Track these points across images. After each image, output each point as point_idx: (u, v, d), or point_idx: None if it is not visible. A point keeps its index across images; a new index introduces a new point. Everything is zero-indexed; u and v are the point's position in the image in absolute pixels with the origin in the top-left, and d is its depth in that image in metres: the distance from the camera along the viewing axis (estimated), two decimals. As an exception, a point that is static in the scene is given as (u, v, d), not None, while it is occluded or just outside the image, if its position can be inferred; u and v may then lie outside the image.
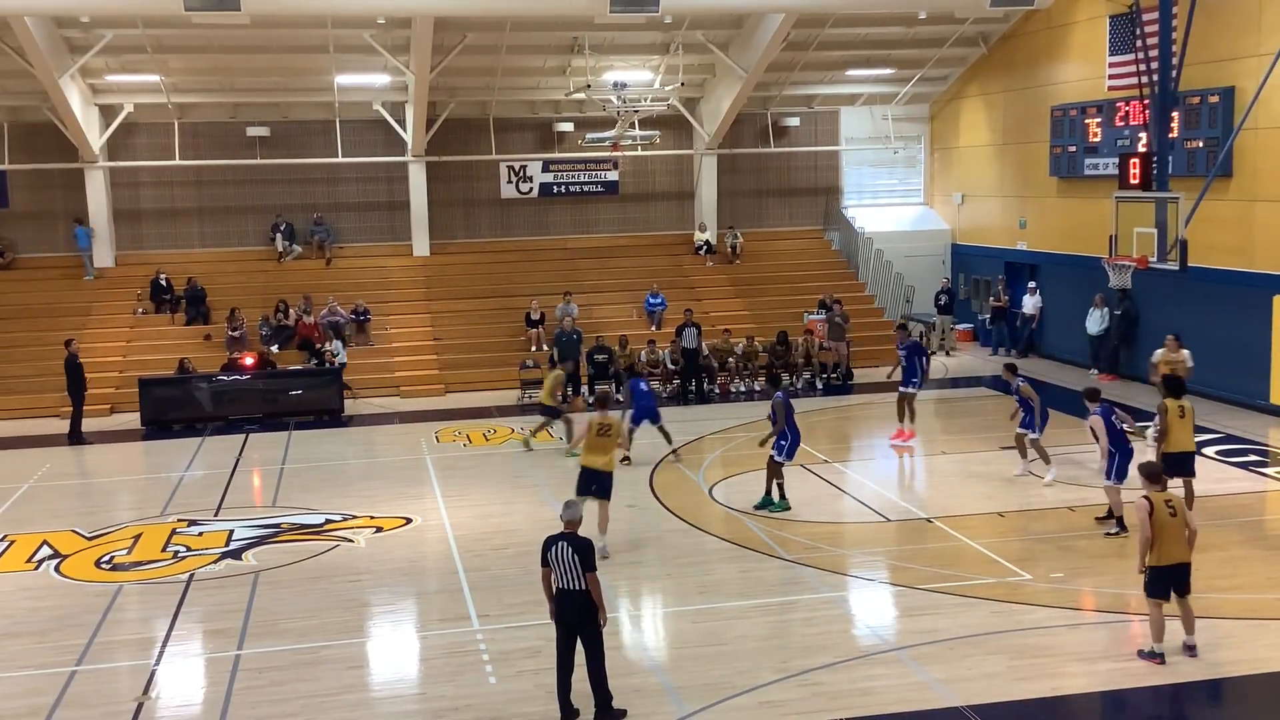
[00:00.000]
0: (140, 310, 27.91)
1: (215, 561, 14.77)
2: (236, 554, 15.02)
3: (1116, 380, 24.53)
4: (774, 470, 16.15)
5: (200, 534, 15.95)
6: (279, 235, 29.74)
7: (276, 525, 16.24)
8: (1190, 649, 10.95)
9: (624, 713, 10.06)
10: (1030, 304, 28.01)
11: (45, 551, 15.30)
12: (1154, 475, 11.25)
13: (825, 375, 25.96)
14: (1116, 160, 22.82)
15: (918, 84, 31.26)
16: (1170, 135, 21.49)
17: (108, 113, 28.65)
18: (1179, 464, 14.36)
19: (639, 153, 30.20)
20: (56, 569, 14.64)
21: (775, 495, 16.16)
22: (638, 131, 27.91)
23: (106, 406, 24.27)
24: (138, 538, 15.78)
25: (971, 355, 29.16)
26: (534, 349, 26.66)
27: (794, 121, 32.04)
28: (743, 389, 25.47)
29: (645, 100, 26.57)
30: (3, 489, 18.56)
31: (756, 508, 16.16)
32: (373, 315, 27.63)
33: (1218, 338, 21.59)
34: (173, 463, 20.41)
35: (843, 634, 11.93)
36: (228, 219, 30.14)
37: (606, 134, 27.78)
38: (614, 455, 14.50)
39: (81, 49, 25.61)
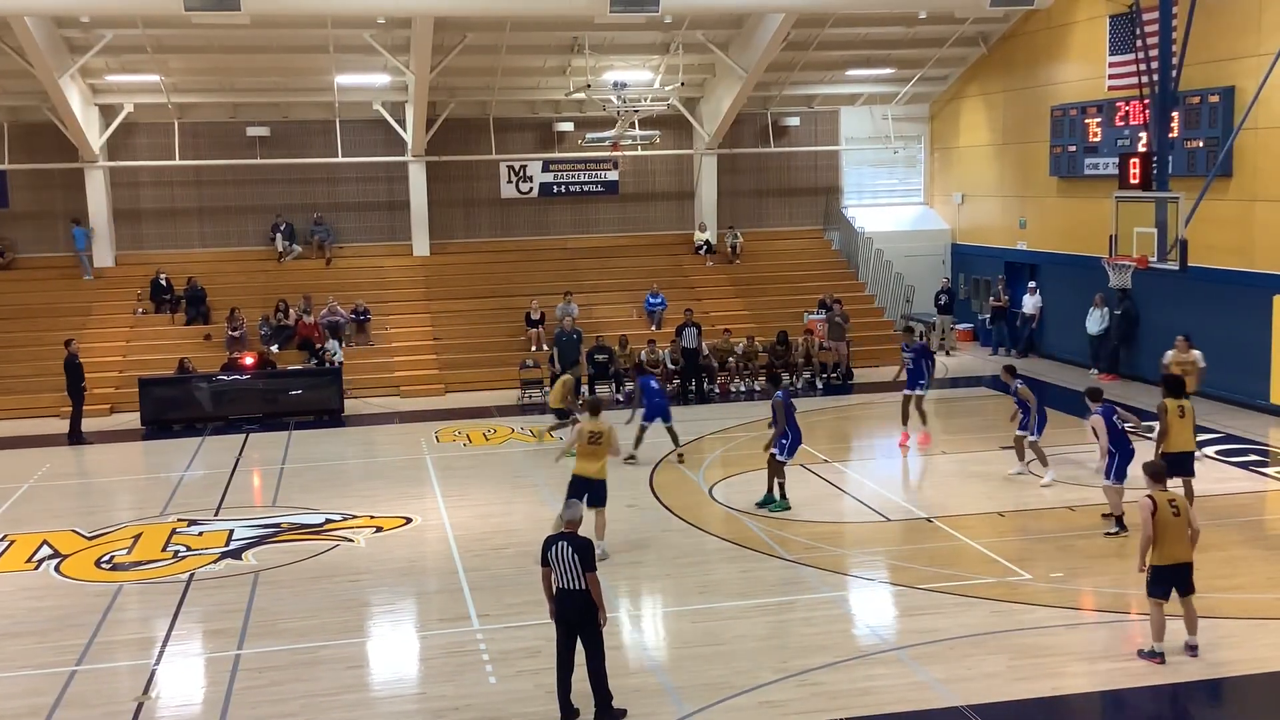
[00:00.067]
0: (140, 310, 27.91)
1: (215, 561, 14.77)
2: (236, 554, 15.02)
3: (1116, 380, 24.53)
4: (775, 469, 16.15)
5: (200, 534, 15.95)
6: (279, 235, 29.74)
7: (276, 525, 16.24)
8: (1192, 649, 10.95)
9: (624, 713, 10.06)
10: (1030, 304, 28.01)
11: (45, 551, 15.30)
12: (1158, 474, 11.25)
13: (825, 375, 25.97)
14: (1116, 160, 22.82)
15: (918, 84, 31.27)
16: (1170, 135, 21.49)
17: (108, 113, 28.65)
18: (1178, 464, 14.35)
19: (639, 153, 30.21)
20: (56, 569, 14.64)
21: (776, 494, 16.16)
22: (638, 131, 27.91)
23: (106, 406, 24.27)
24: (138, 538, 15.79)
25: (971, 355, 29.16)
26: (534, 349, 26.65)
27: (794, 121, 32.04)
28: (743, 389, 25.47)
29: (645, 100, 26.57)
30: (3, 489, 18.57)
31: (759, 505, 16.17)
32: (372, 315, 27.63)
33: (1218, 338, 21.58)
34: (173, 463, 20.41)
35: (843, 634, 11.93)
36: (228, 219, 30.14)
37: (606, 134, 27.78)
38: (606, 463, 14.23)
39: (81, 49, 25.61)
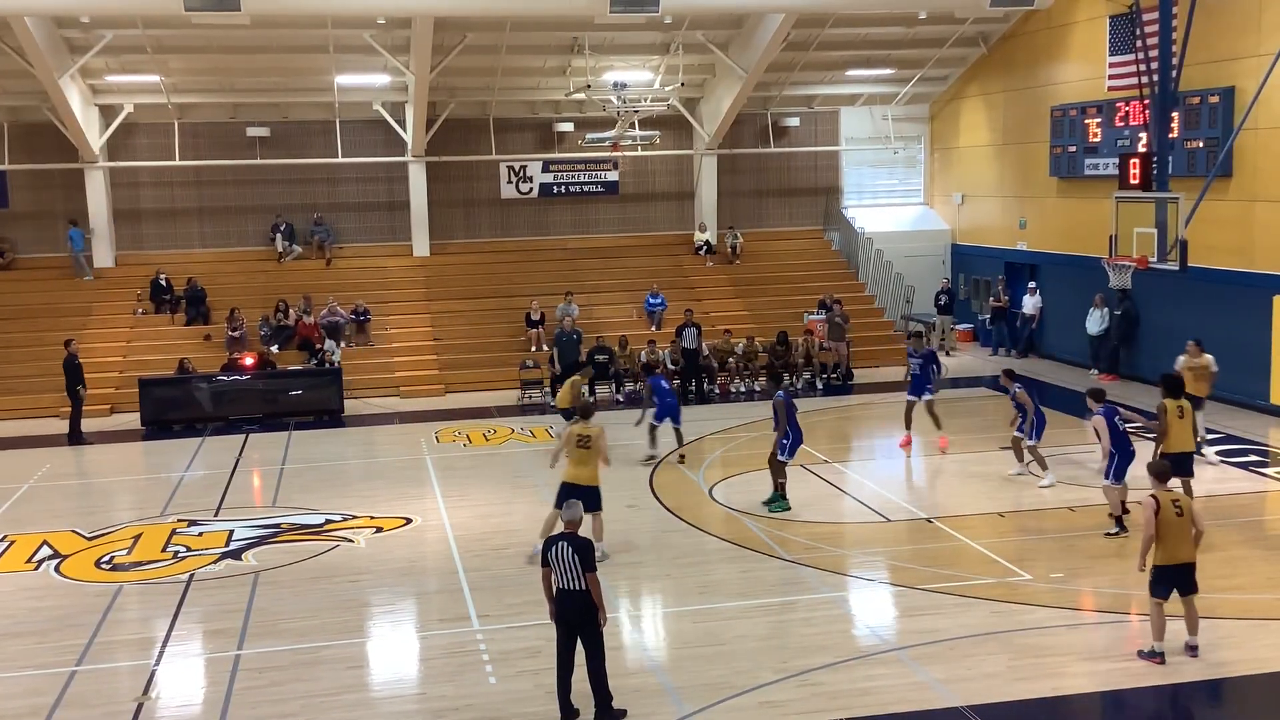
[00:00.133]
0: (140, 310, 27.91)
1: (215, 561, 14.77)
2: (236, 554, 15.02)
3: (1116, 380, 24.53)
4: (777, 469, 16.15)
5: (200, 534, 15.95)
6: (279, 235, 29.74)
7: (276, 525, 16.25)
8: (1192, 649, 10.95)
9: (624, 713, 10.06)
10: (1030, 304, 28.01)
11: (45, 551, 15.30)
12: (1162, 474, 11.27)
13: (825, 375, 25.97)
14: (1116, 160, 22.83)
15: (918, 84, 31.27)
16: (1170, 135, 21.51)
17: (108, 113, 28.65)
18: (1178, 464, 14.30)
19: (639, 153, 30.21)
20: (56, 569, 14.64)
21: (782, 491, 16.14)
22: (638, 131, 27.91)
23: (106, 406, 24.27)
24: (138, 538, 15.79)
25: (971, 355, 29.16)
26: (534, 349, 26.65)
27: (794, 121, 32.04)
28: (743, 389, 25.47)
29: (645, 100, 26.57)
30: (3, 489, 18.57)
31: (765, 503, 16.17)
32: (373, 315, 27.63)
33: (1218, 338, 21.52)
34: (173, 463, 20.41)
35: (843, 634, 11.93)
36: (228, 219, 30.14)
37: (606, 134, 27.78)
38: (596, 469, 13.91)
39: (81, 49, 25.62)
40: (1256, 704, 10.52)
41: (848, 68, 30.29)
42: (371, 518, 16.44)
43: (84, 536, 15.94)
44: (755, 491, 16.73)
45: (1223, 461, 17.95)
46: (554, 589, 9.95)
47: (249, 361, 24.79)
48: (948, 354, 28.96)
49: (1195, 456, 15.63)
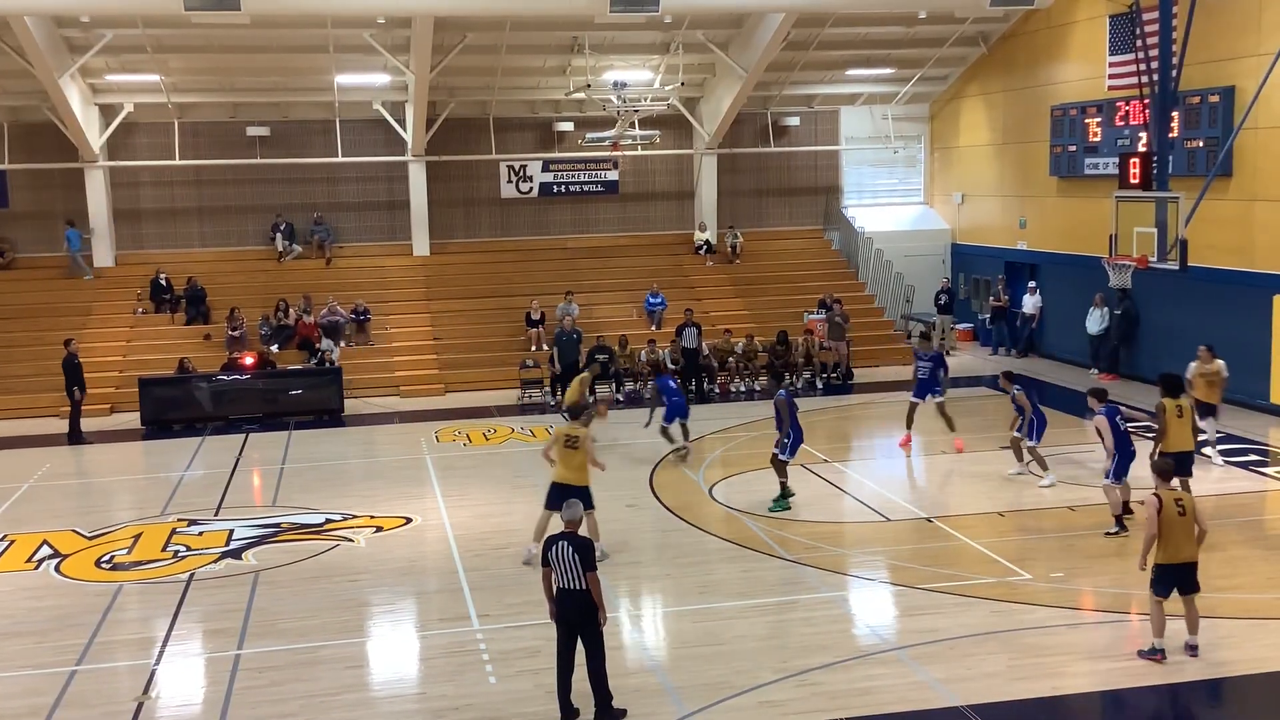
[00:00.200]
0: (140, 310, 27.91)
1: (215, 561, 14.77)
2: (236, 554, 15.02)
3: (1116, 380, 24.52)
4: (779, 468, 16.16)
5: (200, 534, 15.95)
6: (279, 235, 29.74)
7: (276, 525, 16.24)
8: (1192, 649, 10.95)
9: (624, 712, 10.06)
10: (1030, 304, 28.01)
11: (45, 551, 15.30)
12: (1165, 473, 11.27)
13: (825, 375, 25.97)
14: (1116, 160, 22.82)
15: (918, 84, 31.26)
16: (1170, 135, 21.49)
17: (108, 113, 28.65)
18: (1177, 463, 14.28)
19: (639, 152, 30.21)
20: (56, 569, 14.64)
21: (783, 491, 16.15)
22: (638, 131, 27.90)
23: (106, 406, 24.27)
24: (138, 537, 15.78)
25: (971, 355, 29.15)
26: (534, 349, 26.65)
27: (794, 121, 32.04)
28: (743, 389, 25.47)
29: (645, 100, 26.57)
30: (3, 489, 18.56)
31: (774, 500, 16.15)
32: (372, 315, 27.63)
33: (1218, 338, 21.51)
34: (173, 462, 20.41)
35: (843, 634, 11.93)
36: (228, 219, 30.14)
37: (606, 134, 27.76)
38: (585, 469, 13.76)
39: (81, 49, 25.61)
40: (1256, 704, 10.51)
41: (848, 67, 30.29)
42: (371, 517, 16.44)
43: (84, 536, 15.94)
44: (755, 491, 16.73)
45: (1226, 462, 17.92)
46: (554, 588, 9.95)
47: (249, 361, 24.79)
48: (948, 354, 28.91)
49: (1196, 456, 15.62)
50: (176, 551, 15.18)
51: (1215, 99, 21.66)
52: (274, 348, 26.19)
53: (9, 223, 29.05)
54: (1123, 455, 14.60)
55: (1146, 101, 21.72)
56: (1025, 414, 17.09)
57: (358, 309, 27.42)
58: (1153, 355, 23.61)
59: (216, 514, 16.96)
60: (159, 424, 23.26)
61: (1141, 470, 14.69)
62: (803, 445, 16.53)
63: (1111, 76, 24.49)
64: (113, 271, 29.16)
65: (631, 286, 29.48)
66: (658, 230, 32.12)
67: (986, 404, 23.04)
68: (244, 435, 22.29)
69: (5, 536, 15.99)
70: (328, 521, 16.31)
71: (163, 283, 28.10)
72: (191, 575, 14.24)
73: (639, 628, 12.48)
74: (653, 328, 27.81)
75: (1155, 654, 10.86)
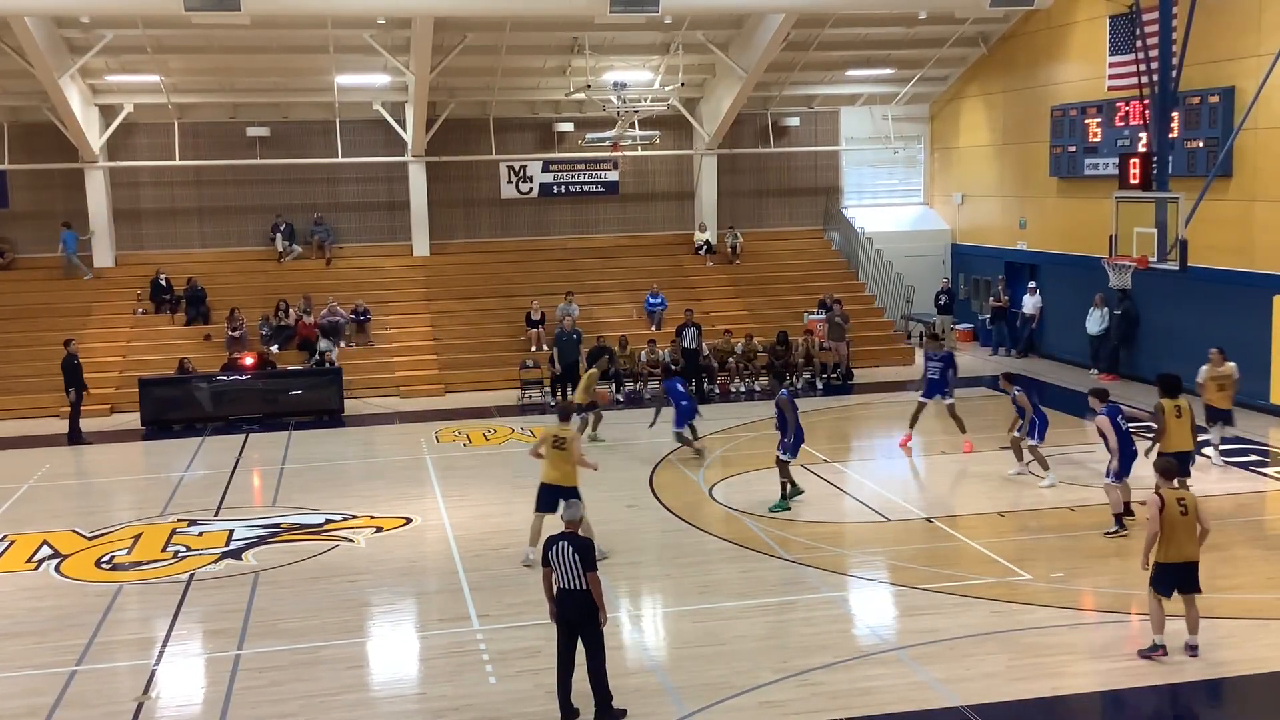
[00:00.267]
0: (140, 310, 27.91)
1: (215, 561, 14.77)
2: (236, 554, 15.02)
3: (1116, 380, 24.52)
4: (783, 469, 16.16)
5: (200, 534, 15.95)
6: (279, 235, 29.74)
7: (276, 525, 16.24)
8: (1192, 649, 10.95)
9: (624, 713, 10.06)
10: (1030, 304, 28.01)
11: (45, 551, 15.30)
12: (1167, 472, 11.27)
13: (825, 375, 25.97)
14: (1116, 160, 22.83)
15: (918, 84, 31.27)
16: (1170, 135, 21.50)
17: (108, 113, 28.65)
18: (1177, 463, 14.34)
19: (639, 153, 30.21)
20: (56, 569, 14.64)
21: (789, 490, 16.17)
22: (638, 131, 27.91)
23: (106, 406, 24.27)
24: (138, 538, 15.78)
25: (971, 355, 29.11)
26: (534, 349, 26.65)
27: (794, 121, 32.04)
28: (743, 389, 25.47)
29: (645, 100, 26.57)
30: (3, 489, 18.56)
31: (785, 500, 16.17)
32: (373, 315, 27.63)
33: (1218, 338, 21.52)
34: (173, 463, 20.41)
35: (843, 634, 11.93)
36: (228, 219, 30.15)
37: (606, 134, 27.78)
38: (574, 469, 13.67)
39: (81, 49, 25.62)
40: (1256, 704, 10.52)
41: (848, 68, 30.30)
42: (371, 517, 16.44)
43: (84, 536, 15.94)
44: (755, 492, 16.73)
45: (1226, 463, 17.91)
46: (554, 589, 9.95)
47: (249, 361, 24.79)
48: (948, 354, 28.96)
49: (1195, 457, 15.63)
50: (176, 552, 15.18)
51: (1215, 99, 21.66)
52: (274, 348, 26.19)
53: (9, 223, 29.05)
54: (1124, 455, 14.60)
55: (1146, 102, 21.73)
56: (1026, 415, 17.10)
57: (358, 309, 27.42)
58: (1153, 356, 23.61)
59: (216, 514, 16.96)
60: (159, 424, 23.26)
61: (1142, 470, 14.72)
62: (803, 445, 16.50)
63: (1111, 77, 24.49)
64: (113, 272, 29.16)
65: (631, 287, 29.48)
66: (658, 230, 32.13)
67: (986, 404, 23.01)
68: (244, 435, 22.29)
69: (5, 537, 15.99)
70: (328, 522, 16.31)
71: (163, 283, 28.10)
72: (191, 575, 14.24)
73: (639, 628, 12.48)
74: (653, 328, 27.81)
75: (1156, 650, 10.86)
